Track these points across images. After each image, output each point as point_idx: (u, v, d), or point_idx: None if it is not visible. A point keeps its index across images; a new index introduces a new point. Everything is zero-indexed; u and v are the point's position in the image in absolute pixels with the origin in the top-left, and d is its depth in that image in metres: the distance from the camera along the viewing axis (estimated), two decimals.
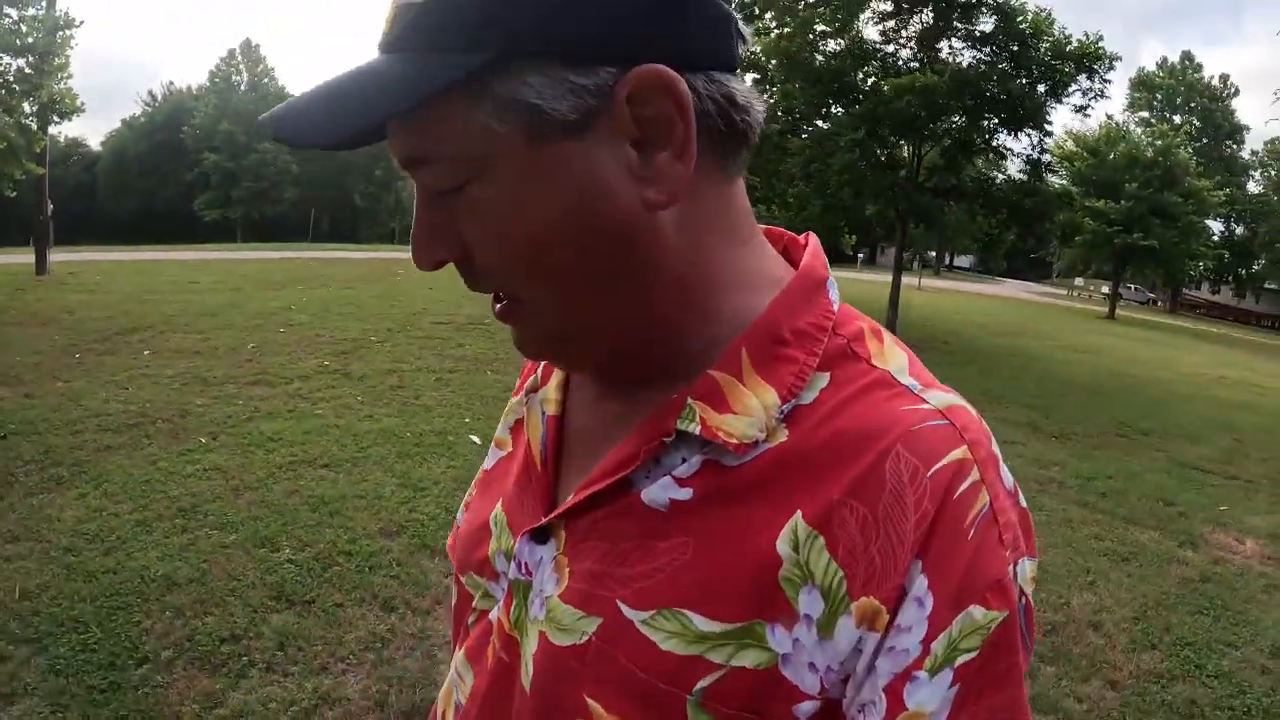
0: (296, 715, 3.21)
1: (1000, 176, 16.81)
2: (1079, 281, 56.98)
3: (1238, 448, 10.51)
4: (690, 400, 0.64)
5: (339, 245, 34.77)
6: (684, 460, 0.65)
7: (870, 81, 15.17)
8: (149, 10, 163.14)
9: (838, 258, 50.80)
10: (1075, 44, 14.95)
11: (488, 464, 0.88)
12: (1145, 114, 58.54)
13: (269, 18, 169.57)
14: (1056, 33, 14.95)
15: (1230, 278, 61.42)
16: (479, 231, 0.63)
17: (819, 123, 16.93)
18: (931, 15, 15.17)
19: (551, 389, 0.79)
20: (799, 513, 0.60)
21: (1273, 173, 56.20)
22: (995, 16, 14.81)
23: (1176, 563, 5.95)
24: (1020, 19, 14.72)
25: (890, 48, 15.65)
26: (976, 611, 0.56)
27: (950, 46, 15.60)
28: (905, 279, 18.81)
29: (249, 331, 10.66)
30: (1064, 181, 18.22)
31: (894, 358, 0.67)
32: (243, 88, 63.40)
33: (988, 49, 15.22)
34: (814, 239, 0.76)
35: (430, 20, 0.58)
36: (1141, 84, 63.57)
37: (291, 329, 11.01)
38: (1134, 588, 5.35)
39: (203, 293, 14.29)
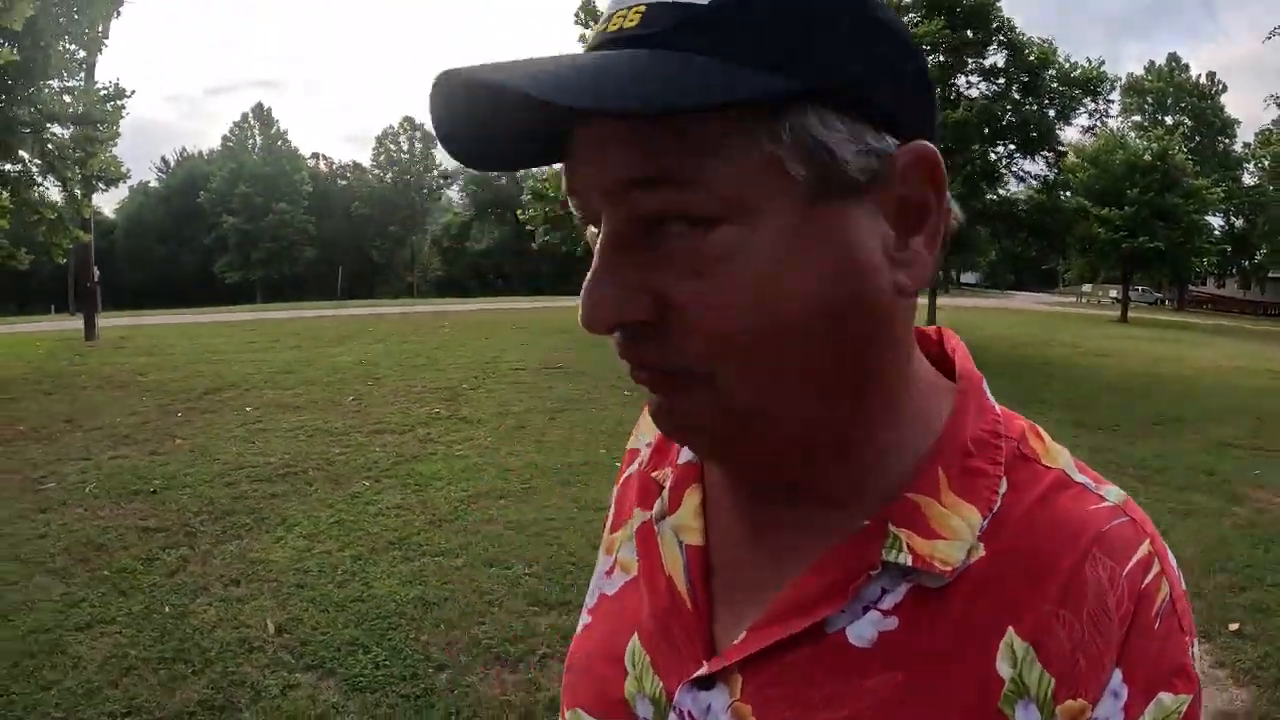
0: None
1: (1021, 198, 17.63)
2: (1087, 288, 57.81)
3: (1261, 426, 11.55)
4: (892, 527, 0.60)
5: (367, 302, 35.56)
6: (884, 591, 0.60)
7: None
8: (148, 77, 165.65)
9: None
10: (1079, 70, 15.96)
11: (609, 587, 0.79)
12: (1138, 118, 59.57)
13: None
14: (1062, 60, 15.96)
15: (1234, 270, 62.50)
16: (704, 288, 0.53)
17: None
18: (943, 56, 16.12)
19: (688, 516, 0.71)
20: (1011, 629, 0.57)
21: (1266, 163, 57.05)
22: (1006, 51, 15.82)
23: (1227, 515, 7.03)
24: (1028, 51, 15.69)
25: None
26: (1166, 698, 0.57)
27: (967, 80, 16.54)
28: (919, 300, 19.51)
29: (336, 386, 11.36)
30: (1079, 197, 19.03)
31: (1060, 455, 0.65)
32: (256, 151, 64.82)
33: (1000, 80, 16.19)
34: (950, 334, 0.73)
35: (722, 27, 0.51)
36: (1132, 89, 64.70)
37: (379, 381, 11.76)
38: (1198, 533, 6.42)
39: (262, 351, 15.00)
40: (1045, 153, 16.52)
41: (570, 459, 7.63)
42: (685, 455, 0.75)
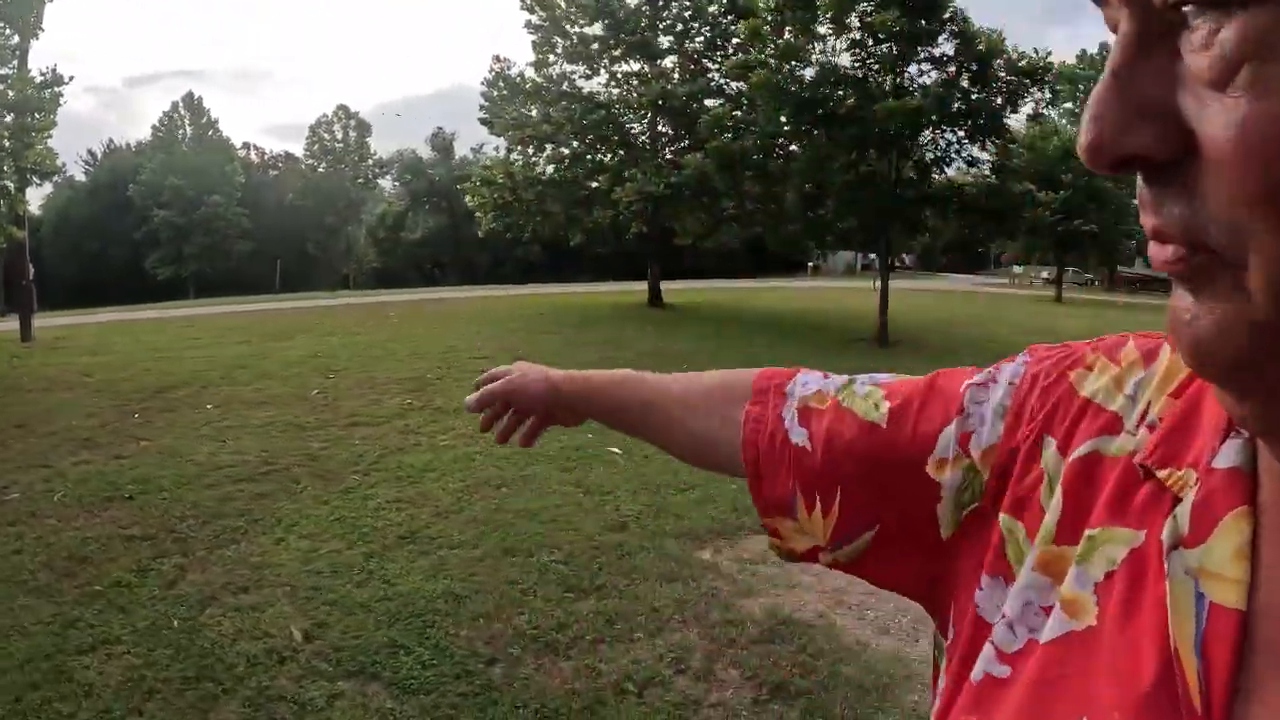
0: (659, 667, 3.83)
1: (970, 182, 18.00)
2: (1018, 270, 59.35)
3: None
4: None
5: (305, 295, 34.85)
6: None
7: (848, 104, 16.24)
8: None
9: (786, 266, 52.40)
10: (1026, 60, 16.36)
11: (1041, 627, 0.52)
12: (1069, 104, 60.98)
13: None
14: (1009, 50, 16.34)
15: None
16: (1232, 112, 0.33)
17: (794, 146, 18.40)
18: (895, 46, 16.39)
19: (1224, 557, 0.44)
20: None
21: None
22: (956, 40, 16.11)
23: None
24: (978, 40, 15.99)
25: (861, 72, 16.75)
26: None
27: (919, 68, 16.78)
28: (859, 283, 20.05)
29: (296, 380, 11.11)
30: (1026, 182, 19.64)
31: None
32: (186, 142, 62.99)
33: (950, 69, 16.45)
34: None
35: None
36: (1064, 77, 66.24)
37: (340, 374, 11.55)
38: None
39: (209, 347, 14.66)
40: (994, 139, 16.84)
41: (560, 444, 7.54)
42: (1229, 454, 0.46)
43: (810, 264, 56.01)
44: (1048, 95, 17.50)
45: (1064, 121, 45.37)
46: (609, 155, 23.69)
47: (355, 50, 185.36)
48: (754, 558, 5.17)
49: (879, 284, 17.81)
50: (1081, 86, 63.98)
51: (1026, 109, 17.57)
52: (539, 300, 25.01)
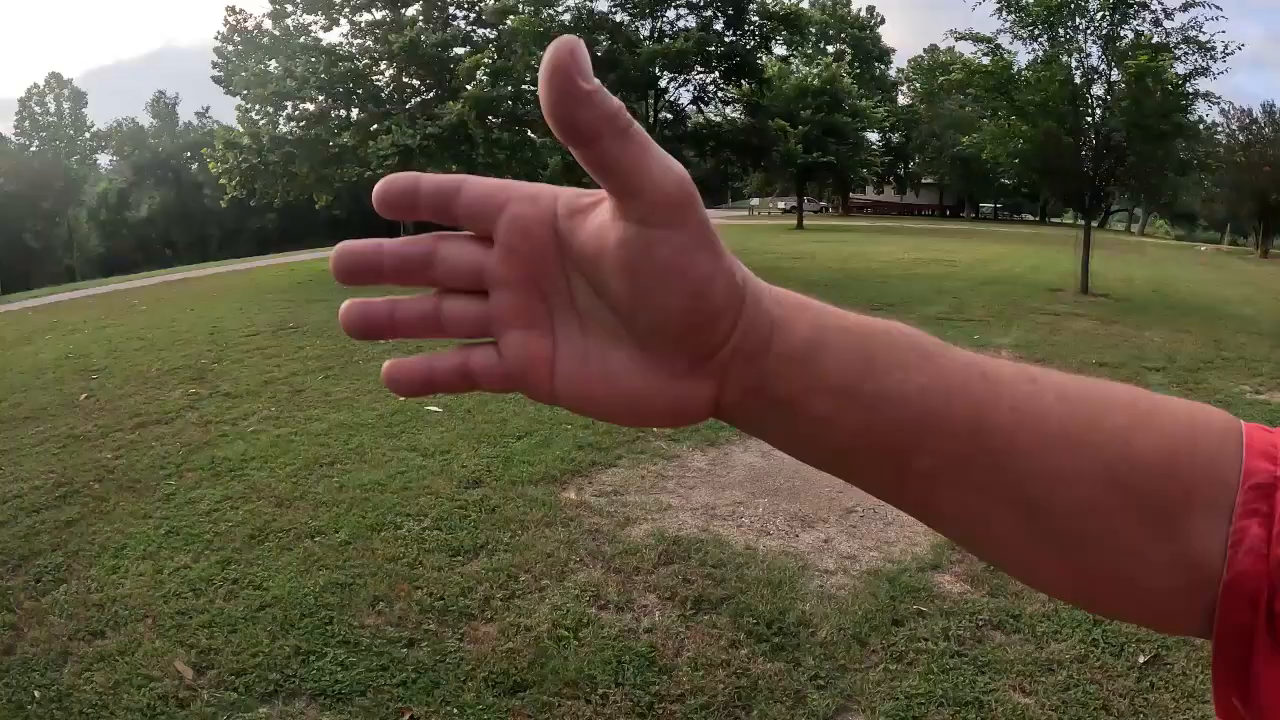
0: (581, 607, 3.89)
1: (725, 122, 18.78)
2: (755, 201, 62.85)
3: (960, 303, 14.36)
4: None
5: (32, 293, 31.28)
6: None
7: (606, 48, 16.46)
8: None
9: None
10: (779, 6, 17.21)
11: None
12: (804, 48, 64.65)
13: None
14: None
15: (891, 178, 70.37)
16: None
17: None
18: None
19: None
20: None
21: (918, 85, 64.73)
22: None
23: None
24: None
25: (619, 17, 16.99)
26: None
27: (678, 12, 17.21)
28: None
29: (55, 386, 9.97)
30: (779, 120, 20.87)
31: None
32: None
33: (707, 13, 17.01)
34: None
35: None
36: (806, 21, 70.13)
37: (103, 372, 10.48)
38: None
39: None
40: (748, 80, 17.63)
41: (378, 411, 7.29)
42: None
43: None
44: (798, 38, 18.56)
45: (798, 62, 48.02)
46: (356, 110, 22.74)
47: (60, 10, 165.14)
48: (615, 488, 5.31)
49: None
50: (814, 30, 68.15)
51: (778, 50, 18.62)
52: (296, 269, 23.82)
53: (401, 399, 7.36)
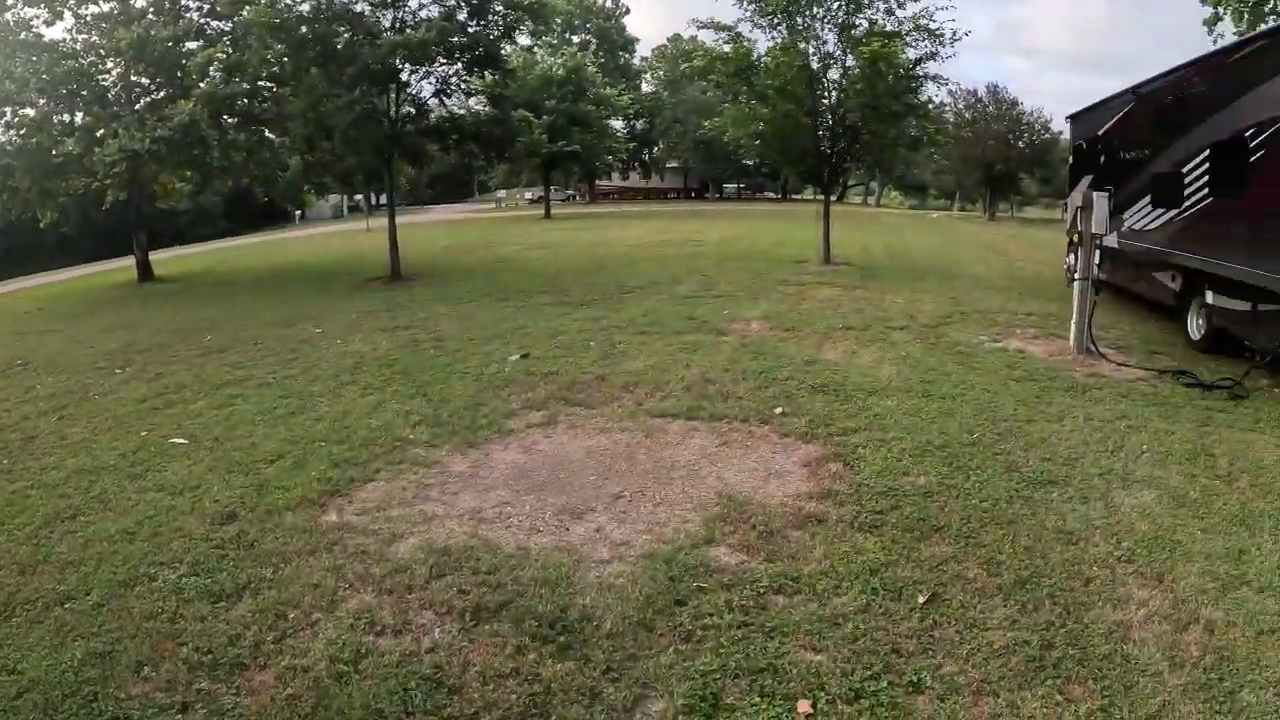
0: (357, 637, 3.61)
1: (469, 114, 18.41)
2: (502, 194, 62.82)
3: (707, 280, 14.81)
4: None
5: None
6: None
7: (346, 40, 15.69)
8: None
9: (268, 218, 50.17)
10: None
11: None
12: (548, 37, 64.53)
13: None
14: None
15: (637, 164, 72.06)
16: None
17: (286, 88, 17.52)
18: None
19: None
20: None
21: (661, 73, 66.32)
22: None
23: (724, 344, 9.43)
24: None
25: (359, 7, 16.23)
26: None
27: (420, 2, 16.61)
28: (351, 226, 20.29)
29: None
30: (523, 111, 20.71)
31: None
32: None
33: (451, 2, 16.50)
34: None
35: None
36: (551, 10, 69.76)
37: None
38: (709, 357, 8.89)
39: None
40: (492, 70, 17.37)
41: (119, 450, 6.62)
42: None
43: (298, 212, 54.11)
44: (543, 27, 18.45)
45: (543, 52, 48.05)
46: (81, 113, 20.44)
47: None
48: (378, 504, 5.01)
49: (372, 224, 17.90)
50: (559, 20, 68.29)
51: (523, 40, 18.31)
52: (16, 298, 21.41)
53: (144, 433, 6.70)
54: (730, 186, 77.19)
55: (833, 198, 19.03)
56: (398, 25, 16.13)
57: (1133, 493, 5.34)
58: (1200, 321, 10.12)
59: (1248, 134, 8.37)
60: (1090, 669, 3.46)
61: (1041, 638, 3.64)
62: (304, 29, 15.68)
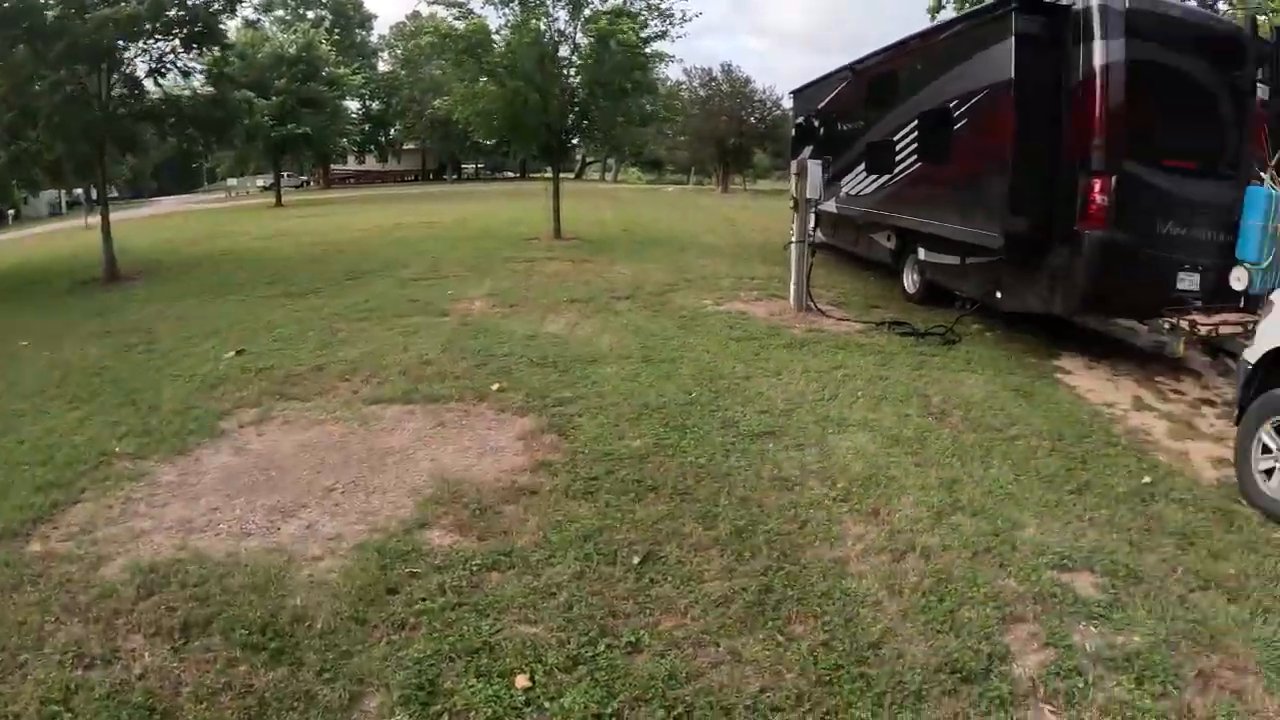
0: (65, 674, 3.19)
1: (187, 94, 16.79)
2: (233, 182, 58.40)
3: (436, 261, 14.51)
4: None
5: None
6: None
7: (53, 14, 13.74)
8: None
9: None
10: None
11: None
12: (281, 12, 59.62)
13: None
14: None
15: (373, 147, 68.67)
16: None
17: None
18: None
19: None
20: None
21: (399, 52, 63.09)
22: None
23: (446, 323, 9.20)
24: None
25: None
26: None
27: None
28: (69, 223, 18.23)
29: None
30: (244, 90, 18.88)
31: None
32: None
33: None
34: None
35: None
36: None
37: None
38: (428, 339, 8.41)
39: None
40: (211, 46, 15.87)
41: None
42: None
43: (10, 211, 47.57)
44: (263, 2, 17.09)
45: (275, 29, 44.49)
46: None
47: None
48: (83, 527, 4.46)
49: (92, 220, 15.97)
50: None
51: (244, 14, 16.68)
52: None
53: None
54: (469, 167, 75.71)
55: (571, 175, 19.09)
56: None
57: (848, 436, 5.60)
58: (915, 276, 10.95)
59: (952, 105, 9.03)
60: (809, 606, 3.56)
61: (759, 583, 3.73)
62: (7, 3, 13.61)
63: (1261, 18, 8.96)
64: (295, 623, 3.44)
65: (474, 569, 3.81)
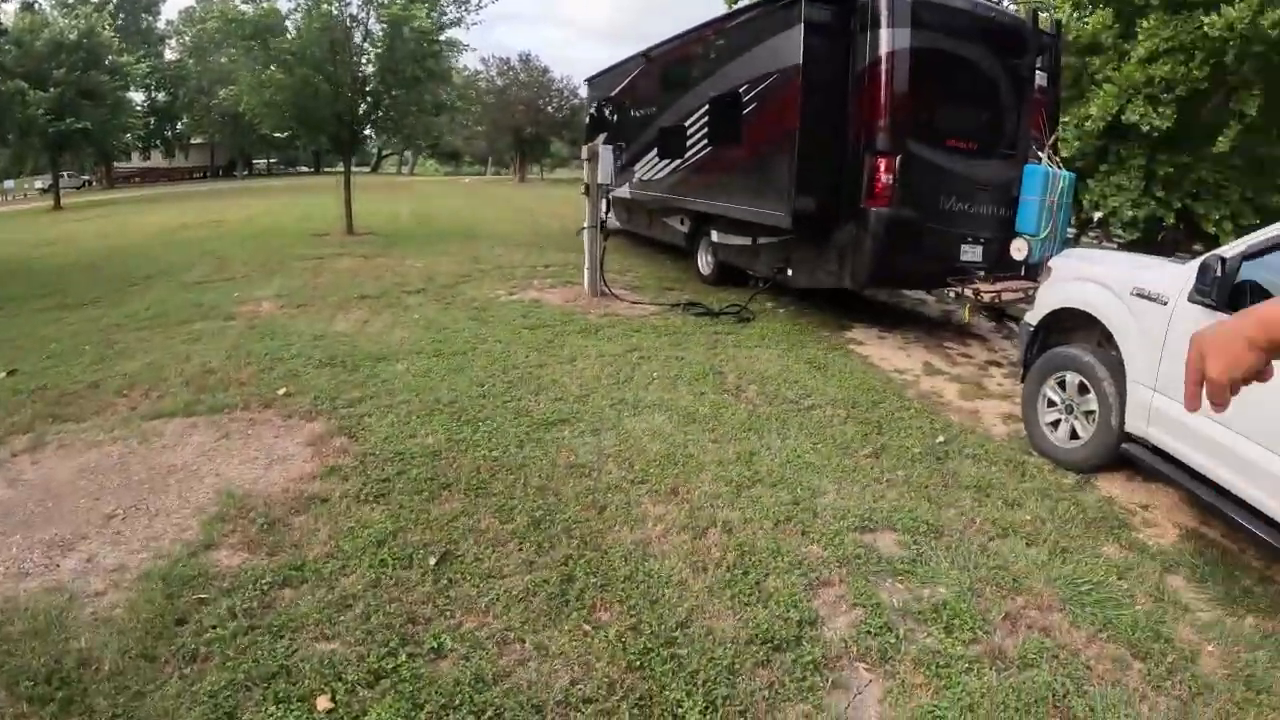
0: None
1: None
2: (9, 184, 53.27)
3: (220, 262, 13.79)
4: None
5: None
6: None
7: None
8: None
9: None
10: None
11: None
12: None
13: None
14: None
15: (159, 142, 63.67)
16: None
17: None
18: None
19: None
20: None
21: (187, 39, 58.65)
22: None
23: (231, 326, 8.65)
24: None
25: None
26: None
27: None
28: None
29: None
30: (14, 80, 16.79)
31: None
32: None
33: None
34: None
35: None
36: None
37: None
38: (213, 345, 7.88)
39: None
40: None
41: None
42: None
43: None
44: None
45: (57, 14, 40.13)
46: None
47: None
48: None
49: None
50: None
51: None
52: None
53: None
54: (260, 162, 71.82)
55: (368, 168, 18.48)
56: None
57: (644, 417, 5.64)
58: (708, 258, 11.21)
59: (742, 89, 9.24)
60: (614, 592, 3.54)
61: (561, 573, 3.68)
62: None
63: (1044, 13, 9.74)
64: (81, 667, 3.13)
65: (265, 588, 3.60)
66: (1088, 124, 12.22)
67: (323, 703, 2.92)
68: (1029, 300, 6.43)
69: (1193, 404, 1.05)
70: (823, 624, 3.39)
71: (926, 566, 3.82)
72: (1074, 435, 5.24)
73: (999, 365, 7.50)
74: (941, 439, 5.48)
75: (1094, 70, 12.41)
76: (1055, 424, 5.36)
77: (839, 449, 5.23)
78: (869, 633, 3.32)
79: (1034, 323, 5.70)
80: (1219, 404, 0.98)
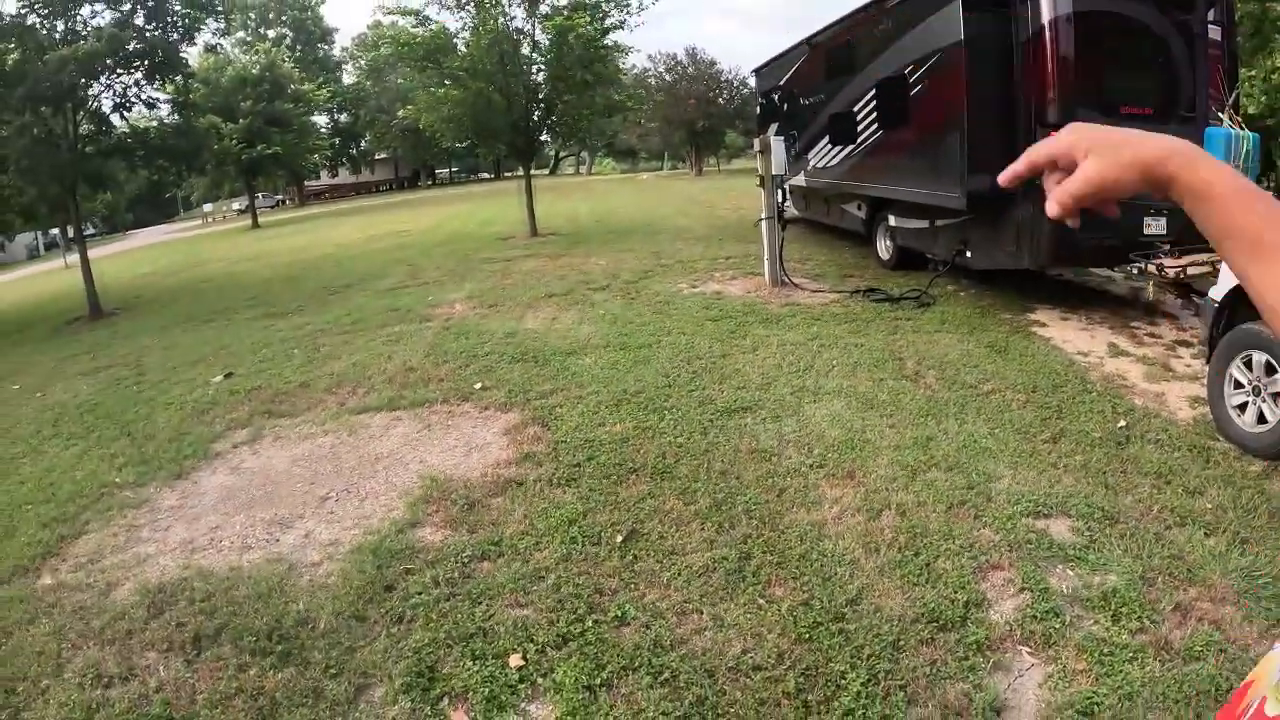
0: (85, 695, 3.29)
1: (154, 126, 16.82)
2: (208, 208, 58.28)
3: (413, 269, 14.67)
4: None
5: None
6: None
7: (13, 59, 13.75)
8: None
9: None
10: None
11: None
12: (242, 34, 59.41)
13: None
14: None
15: (345, 160, 68.61)
16: None
17: None
18: None
19: None
20: None
21: (363, 63, 63.15)
22: None
23: (428, 329, 9.26)
24: None
25: (28, 19, 14.13)
26: None
27: (93, 10, 14.79)
28: (48, 265, 18.01)
29: None
30: (209, 116, 18.86)
31: None
32: None
33: (125, 7, 14.75)
34: None
35: None
36: (235, 6, 63.98)
37: None
38: (411, 345, 8.53)
39: None
40: (173, 76, 15.89)
41: None
42: None
43: None
44: (222, 25, 17.06)
45: (237, 51, 44.33)
46: None
47: None
48: (90, 557, 4.58)
49: (71, 259, 15.89)
50: (253, 14, 63.01)
51: (203, 40, 16.82)
52: None
53: None
54: (443, 171, 75.57)
55: (546, 171, 19.27)
56: (68, 37, 14.23)
57: (823, 404, 5.72)
58: (887, 243, 11.09)
59: (907, 70, 9.14)
60: (789, 570, 3.67)
61: (739, 551, 3.85)
62: None
63: None
64: (299, 626, 3.59)
65: (465, 560, 3.96)
66: (1275, 76, 11.19)
67: (515, 660, 3.21)
68: (1215, 274, 5.97)
69: (1009, 178, 0.90)
70: (989, 606, 3.40)
71: (1099, 553, 3.73)
72: (1261, 419, 4.84)
73: (1188, 345, 7.04)
74: (1123, 423, 5.25)
75: (1276, 16, 11.36)
76: (1242, 407, 4.95)
77: (1016, 434, 5.13)
78: (1034, 617, 3.30)
79: (1219, 298, 5.27)
80: (1067, 209, 0.87)
